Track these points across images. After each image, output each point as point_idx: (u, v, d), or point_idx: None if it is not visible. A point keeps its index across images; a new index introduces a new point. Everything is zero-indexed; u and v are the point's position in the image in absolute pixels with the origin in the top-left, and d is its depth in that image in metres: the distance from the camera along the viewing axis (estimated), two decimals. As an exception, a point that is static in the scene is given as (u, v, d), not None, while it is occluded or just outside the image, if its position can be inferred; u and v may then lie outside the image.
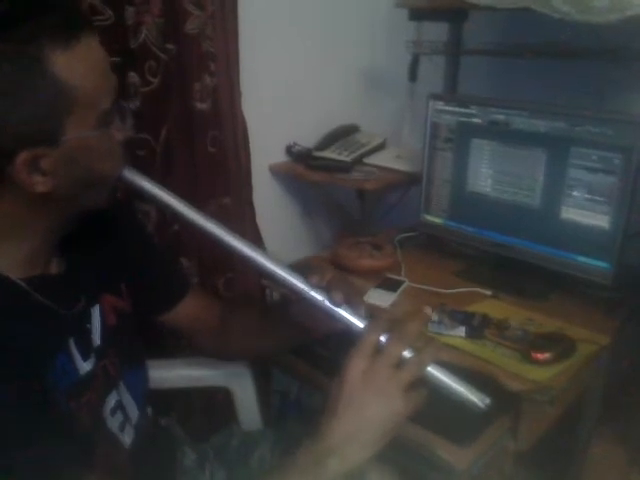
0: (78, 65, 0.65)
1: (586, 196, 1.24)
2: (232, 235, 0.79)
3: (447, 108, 1.43)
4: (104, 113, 0.70)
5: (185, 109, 1.30)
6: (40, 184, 0.67)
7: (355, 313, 0.78)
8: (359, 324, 0.77)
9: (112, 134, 0.73)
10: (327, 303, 0.78)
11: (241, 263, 1.45)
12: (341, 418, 0.69)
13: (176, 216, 0.82)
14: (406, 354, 0.72)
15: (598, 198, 1.22)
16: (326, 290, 0.78)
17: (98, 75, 0.68)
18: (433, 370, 0.73)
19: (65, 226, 0.78)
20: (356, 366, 0.70)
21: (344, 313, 0.77)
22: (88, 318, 0.83)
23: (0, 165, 0.65)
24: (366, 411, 0.69)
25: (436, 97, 1.46)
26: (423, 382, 0.72)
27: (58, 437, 0.68)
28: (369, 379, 0.69)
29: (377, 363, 0.70)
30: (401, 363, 0.71)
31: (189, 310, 1.04)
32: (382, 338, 0.72)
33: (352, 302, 0.78)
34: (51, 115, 0.65)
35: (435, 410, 1.04)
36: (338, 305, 0.77)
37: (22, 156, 0.64)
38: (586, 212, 1.25)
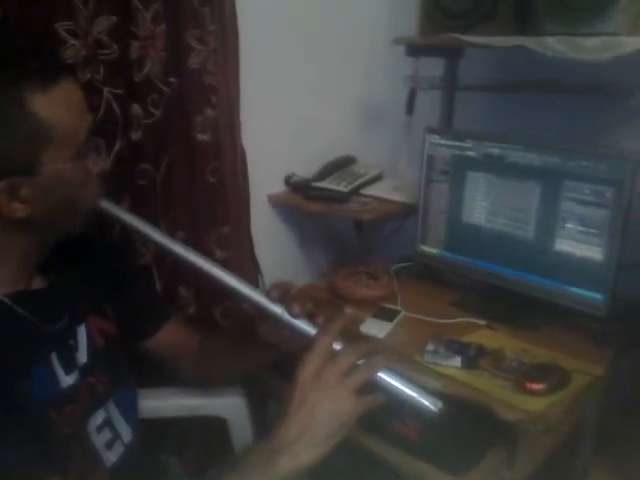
0: (56, 105, 0.73)
1: (579, 228, 1.26)
2: (196, 254, 0.85)
3: (443, 141, 1.46)
4: (79, 147, 0.77)
5: (186, 140, 1.33)
6: (19, 210, 0.74)
7: (311, 324, 0.81)
8: (314, 334, 0.80)
9: (88, 167, 0.81)
10: (286, 316, 0.81)
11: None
12: (292, 418, 0.72)
13: (151, 243, 0.90)
14: (357, 362, 0.75)
15: (591, 230, 1.24)
16: (285, 303, 0.82)
17: (74, 114, 0.76)
18: (384, 375, 0.76)
19: (44, 248, 0.84)
20: (308, 369, 0.74)
21: (301, 324, 0.81)
22: (72, 335, 0.88)
23: None
24: (316, 411, 0.72)
25: (432, 131, 1.49)
26: (376, 388, 0.76)
27: (25, 441, 0.71)
28: (319, 381, 0.73)
29: (328, 367, 0.74)
30: (352, 368, 0.74)
31: (171, 336, 1.08)
32: (336, 347, 0.76)
33: (312, 316, 0.82)
34: (29, 149, 0.72)
35: (430, 440, 1.06)
36: (296, 317, 0.81)
37: (1, 185, 0.71)
38: (579, 244, 1.27)
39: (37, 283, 0.86)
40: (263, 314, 0.85)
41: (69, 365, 0.84)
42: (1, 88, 0.69)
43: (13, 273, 0.81)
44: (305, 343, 0.79)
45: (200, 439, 1.44)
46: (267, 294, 0.83)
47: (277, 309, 0.82)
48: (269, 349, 0.97)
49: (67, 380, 0.83)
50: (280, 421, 0.73)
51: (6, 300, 0.78)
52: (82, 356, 0.88)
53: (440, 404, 0.76)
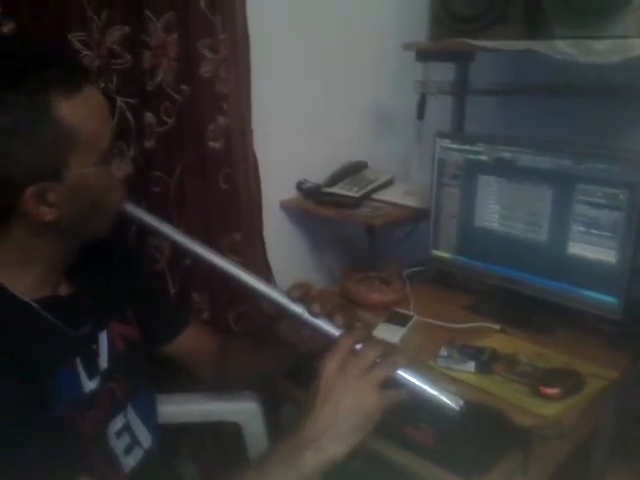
0: (80, 111, 0.75)
1: (592, 231, 1.26)
2: (219, 256, 0.87)
3: (454, 146, 1.46)
4: (104, 152, 0.79)
5: (199, 148, 1.34)
6: (47, 214, 0.76)
7: (333, 324, 0.82)
8: (336, 333, 0.81)
9: (112, 171, 0.83)
10: (306, 315, 0.83)
11: (252, 297, 1.48)
12: (317, 413, 0.74)
13: (175, 246, 0.92)
14: (378, 359, 0.77)
15: (604, 233, 1.24)
16: (305, 303, 0.83)
17: (97, 119, 0.78)
18: (406, 374, 0.77)
19: (71, 252, 0.86)
20: (331, 366, 0.75)
21: (322, 323, 0.82)
22: (95, 341, 0.90)
23: (11, 198, 0.74)
24: (340, 406, 0.74)
25: (443, 135, 1.49)
26: (398, 385, 0.77)
27: (51, 441, 0.72)
28: (343, 377, 0.75)
29: (351, 362, 0.75)
30: (374, 364, 0.76)
31: (191, 340, 1.09)
32: (357, 346, 0.78)
33: (332, 315, 0.83)
34: (56, 154, 0.74)
35: (445, 445, 1.05)
36: (316, 316, 0.82)
37: (30, 190, 0.73)
38: (593, 247, 1.26)
39: (63, 289, 0.88)
40: (283, 314, 0.87)
41: (92, 370, 0.85)
42: (27, 95, 0.71)
43: (40, 278, 0.83)
44: (324, 343, 0.81)
45: (215, 445, 1.45)
46: (288, 293, 0.85)
47: (298, 308, 0.84)
48: (288, 350, 0.98)
49: (90, 385, 0.84)
50: (305, 416, 0.74)
51: (34, 304, 0.80)
52: (103, 361, 0.89)
53: (462, 402, 0.77)
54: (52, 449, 0.71)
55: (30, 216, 0.75)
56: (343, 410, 0.73)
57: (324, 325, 0.82)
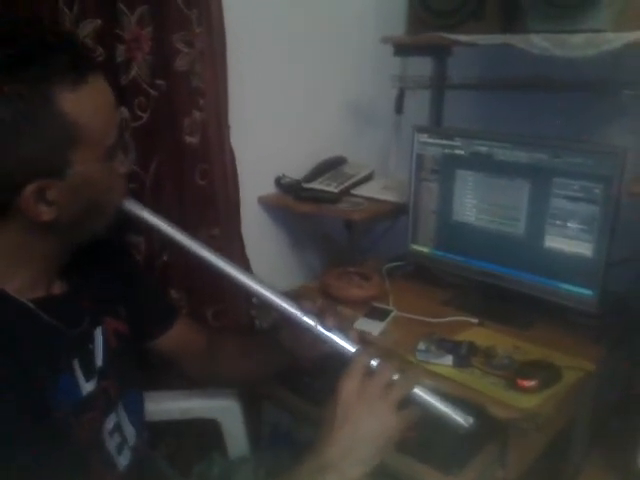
0: (85, 104, 0.70)
1: (569, 225, 1.27)
2: (227, 262, 0.85)
3: (432, 140, 1.46)
4: (109, 148, 0.74)
5: (174, 143, 1.32)
6: (45, 213, 0.71)
7: (346, 338, 0.82)
8: (351, 348, 0.81)
9: (115, 167, 0.78)
10: (319, 328, 0.82)
11: (230, 294, 1.47)
12: (337, 435, 0.73)
13: (173, 245, 0.87)
14: (394, 377, 0.77)
15: (581, 227, 1.25)
16: (318, 315, 0.83)
17: (103, 113, 0.73)
18: (419, 391, 0.78)
19: (67, 252, 0.82)
20: (350, 386, 0.75)
21: (336, 337, 0.82)
22: (91, 339, 0.87)
23: (9, 195, 0.69)
24: (360, 428, 0.73)
25: (421, 129, 1.49)
26: (411, 402, 0.77)
27: (53, 450, 0.70)
28: (362, 398, 0.74)
29: (369, 383, 0.75)
30: (390, 384, 0.76)
31: (179, 336, 1.08)
32: (373, 362, 0.77)
33: (343, 328, 0.83)
34: (58, 150, 0.69)
35: (423, 438, 1.06)
36: (330, 330, 0.82)
37: (30, 187, 0.68)
38: (569, 240, 1.27)
39: (57, 288, 0.84)
40: (287, 321, 0.86)
41: (89, 371, 0.83)
42: (30, 85, 0.66)
43: (34, 277, 0.79)
44: (324, 351, 0.82)
45: (194, 442, 1.44)
46: (300, 305, 0.84)
47: (311, 321, 0.83)
48: (284, 357, 0.98)
49: (87, 387, 0.81)
50: (324, 438, 0.73)
51: (32, 306, 0.76)
52: (98, 360, 0.86)
53: (471, 420, 0.78)
54: (50, 456, 0.69)
55: (28, 215, 0.71)
56: (364, 433, 0.73)
57: (338, 340, 0.82)
